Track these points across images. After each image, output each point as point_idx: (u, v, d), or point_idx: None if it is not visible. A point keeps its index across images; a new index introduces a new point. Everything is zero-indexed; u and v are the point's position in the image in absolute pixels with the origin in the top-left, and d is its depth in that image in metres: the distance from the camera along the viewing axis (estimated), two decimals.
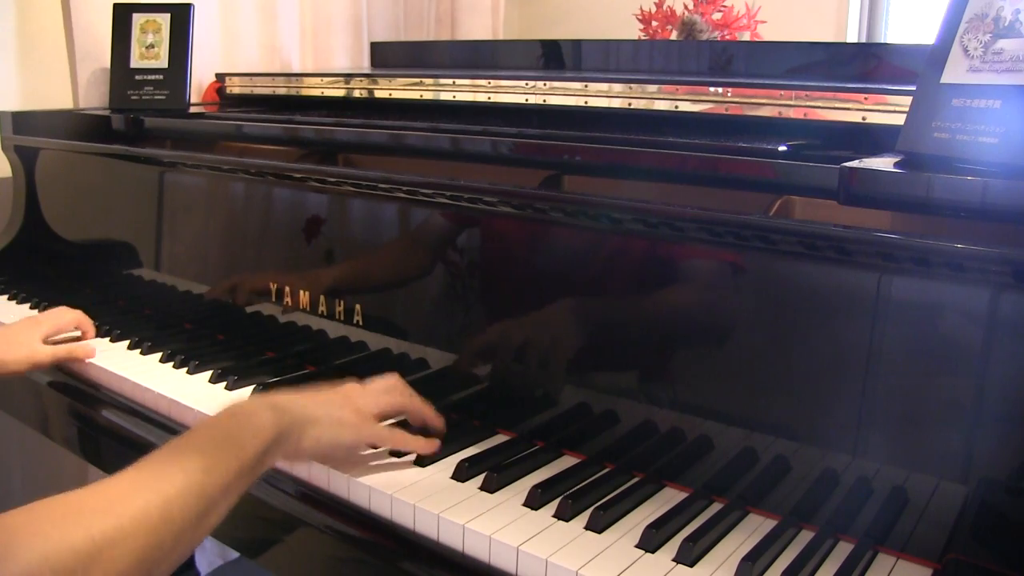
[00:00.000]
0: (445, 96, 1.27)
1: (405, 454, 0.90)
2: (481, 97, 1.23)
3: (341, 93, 1.45)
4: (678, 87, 1.03)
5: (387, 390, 0.92)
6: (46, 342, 1.18)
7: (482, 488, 0.85)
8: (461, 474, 0.87)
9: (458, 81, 1.25)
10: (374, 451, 0.92)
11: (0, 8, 1.61)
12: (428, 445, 0.90)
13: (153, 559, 0.64)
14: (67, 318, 1.24)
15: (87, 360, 1.20)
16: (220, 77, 1.75)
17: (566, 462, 0.91)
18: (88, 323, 1.26)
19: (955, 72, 0.70)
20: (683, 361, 0.88)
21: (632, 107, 1.07)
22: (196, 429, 0.76)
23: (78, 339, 1.24)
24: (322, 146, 1.16)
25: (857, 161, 0.71)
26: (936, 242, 0.67)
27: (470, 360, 1.02)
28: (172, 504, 0.66)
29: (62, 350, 1.18)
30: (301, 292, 1.19)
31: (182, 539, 0.67)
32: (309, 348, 1.19)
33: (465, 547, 0.78)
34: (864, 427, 0.76)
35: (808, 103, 0.92)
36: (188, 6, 1.62)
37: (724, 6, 1.68)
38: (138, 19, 1.62)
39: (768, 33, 1.67)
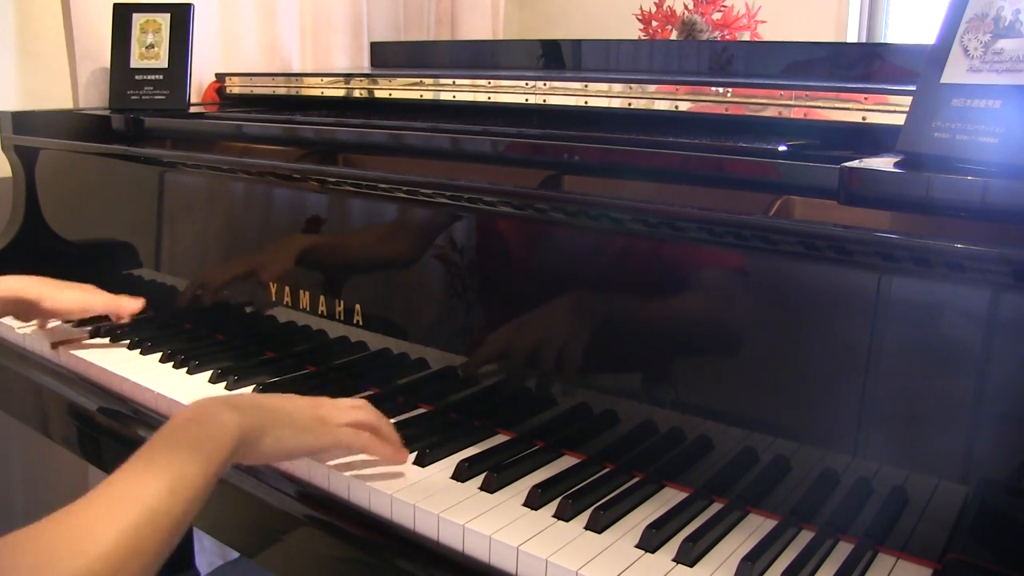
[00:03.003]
0: (445, 96, 1.27)
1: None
2: (481, 97, 1.23)
3: (341, 93, 1.45)
4: (678, 87, 1.03)
5: (355, 406, 0.89)
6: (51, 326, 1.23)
7: (482, 488, 0.85)
8: (461, 474, 0.87)
9: (458, 81, 1.25)
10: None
11: (0, 8, 1.60)
12: (397, 453, 0.87)
13: None
14: (100, 301, 1.26)
15: (86, 359, 1.20)
16: (220, 77, 1.75)
17: (566, 462, 0.91)
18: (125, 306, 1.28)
19: (955, 72, 0.70)
20: (683, 361, 0.88)
21: (632, 107, 1.07)
22: (158, 438, 0.73)
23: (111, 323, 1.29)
24: (322, 146, 1.16)
25: (857, 161, 0.71)
26: (936, 242, 0.67)
27: (470, 360, 1.02)
28: (140, 533, 0.64)
29: (111, 298, 1.25)
30: (301, 292, 1.19)
31: (151, 564, 0.65)
32: (309, 348, 1.19)
33: (465, 547, 0.78)
34: (864, 427, 0.76)
35: (808, 103, 0.92)
36: (188, 6, 1.62)
37: (724, 6, 1.68)
38: (138, 19, 1.62)
39: (768, 33, 1.67)
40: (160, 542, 0.66)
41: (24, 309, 1.21)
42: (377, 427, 0.88)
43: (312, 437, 0.83)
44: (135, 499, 0.66)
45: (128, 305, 1.24)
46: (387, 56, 2.01)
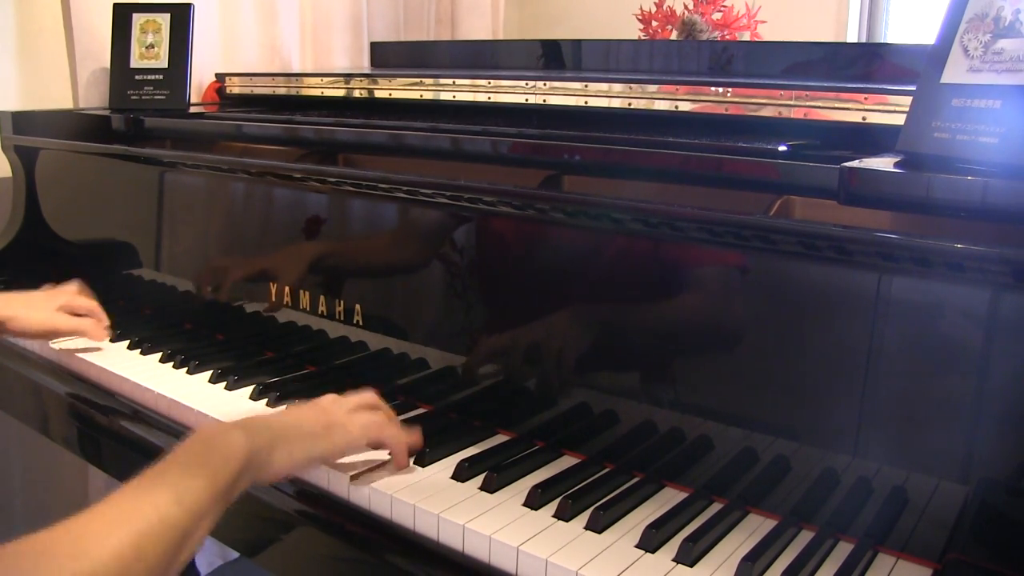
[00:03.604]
0: (445, 96, 1.27)
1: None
2: (481, 97, 1.23)
3: (341, 93, 1.45)
4: (678, 87, 1.03)
5: (362, 400, 0.90)
6: None
7: (482, 488, 0.85)
8: (461, 474, 0.87)
9: (458, 81, 1.25)
10: (375, 451, 0.92)
11: (0, 8, 1.60)
12: (411, 436, 0.89)
13: None
14: (80, 302, 1.25)
15: (86, 359, 1.20)
16: (220, 77, 1.75)
17: (566, 462, 0.91)
18: (99, 313, 1.26)
19: (955, 72, 0.70)
20: (683, 361, 0.88)
21: (632, 107, 1.07)
22: (167, 459, 0.74)
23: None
24: (322, 146, 1.16)
25: (857, 161, 0.71)
26: (936, 242, 0.67)
27: (470, 360, 1.02)
28: (144, 540, 0.65)
29: (78, 322, 1.21)
30: (301, 292, 1.19)
31: (155, 573, 0.65)
32: (309, 348, 1.19)
33: (465, 547, 0.78)
34: (864, 427, 0.76)
35: (808, 103, 0.92)
36: (188, 6, 1.62)
37: (724, 6, 1.68)
38: (138, 19, 1.62)
39: (768, 33, 1.67)
40: (166, 553, 0.66)
41: None
42: (382, 420, 0.90)
43: (325, 443, 0.84)
44: (141, 509, 0.67)
45: (94, 332, 1.22)
46: (387, 56, 2.01)
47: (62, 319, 1.20)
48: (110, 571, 0.62)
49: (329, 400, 0.89)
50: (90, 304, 1.25)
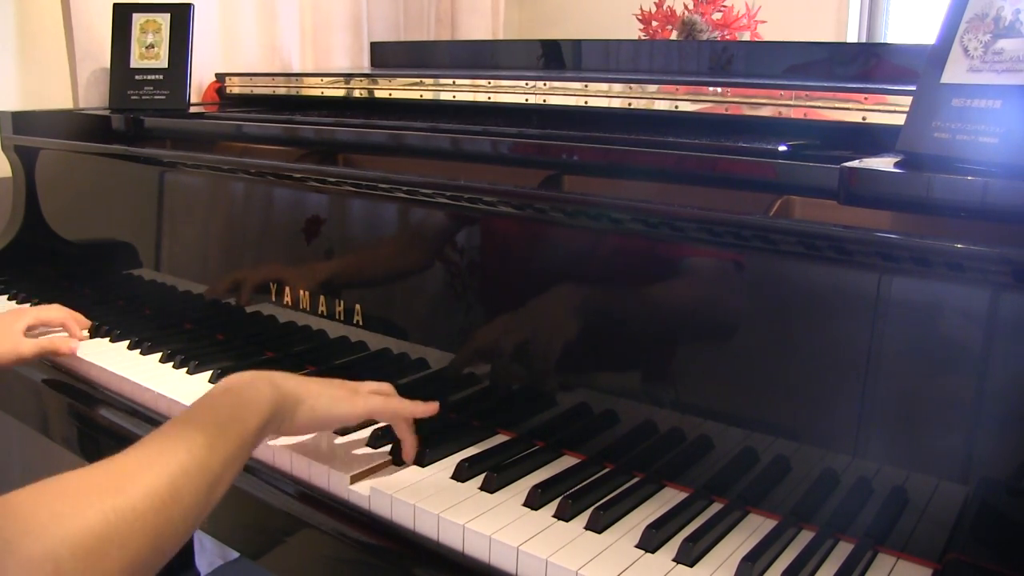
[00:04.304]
0: (445, 96, 1.27)
1: (402, 462, 0.90)
2: (481, 97, 1.23)
3: (341, 93, 1.45)
4: (678, 87, 1.03)
5: (379, 387, 0.93)
6: (29, 335, 1.19)
7: (482, 488, 0.85)
8: (461, 474, 0.87)
9: (458, 81, 1.25)
10: (375, 451, 0.92)
11: (0, 8, 1.60)
12: (427, 408, 0.92)
13: (164, 535, 0.64)
14: (52, 314, 1.24)
15: (72, 355, 1.20)
16: (220, 77, 1.75)
17: (566, 462, 0.91)
18: (73, 322, 1.25)
19: (955, 72, 0.70)
20: (683, 361, 0.88)
21: (632, 107, 1.07)
22: (197, 406, 0.77)
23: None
24: (322, 146, 1.16)
25: (857, 161, 0.71)
26: (936, 242, 0.67)
27: (470, 360, 1.02)
28: (179, 481, 0.66)
29: (45, 342, 1.19)
30: (301, 292, 1.19)
31: (190, 515, 0.67)
32: (309, 348, 1.19)
33: (465, 547, 0.78)
34: (864, 427, 0.76)
35: (808, 103, 0.92)
36: (188, 6, 1.62)
37: (724, 6, 1.68)
38: (138, 19, 1.62)
39: (768, 33, 1.67)
40: (198, 494, 0.68)
41: None
42: (396, 404, 0.92)
43: (347, 405, 0.87)
44: (174, 451, 0.68)
45: (63, 346, 1.19)
46: (387, 56, 2.01)
47: (27, 345, 1.17)
48: (148, 507, 0.63)
49: (347, 381, 0.92)
50: (61, 314, 1.25)
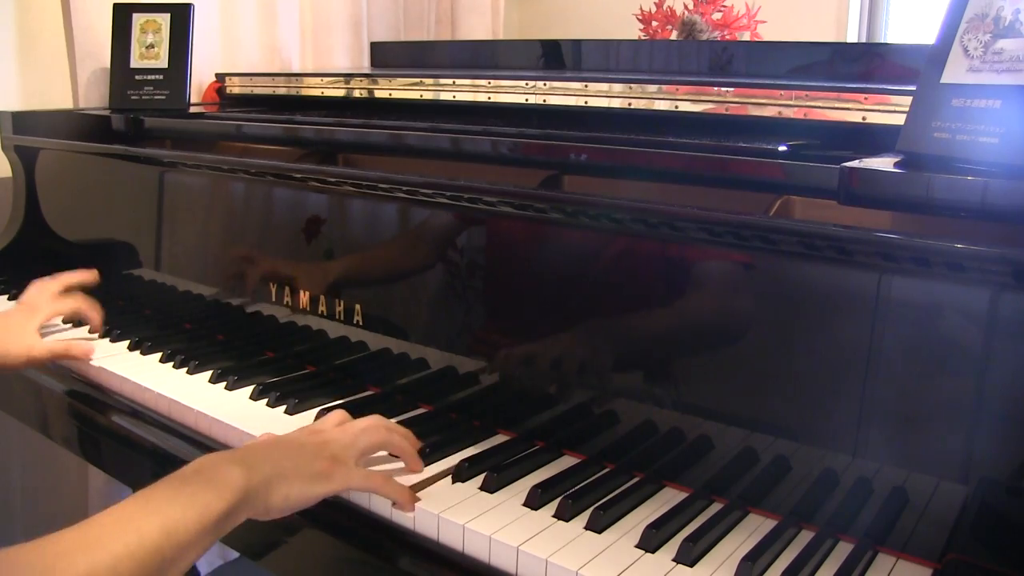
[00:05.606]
0: (445, 96, 1.27)
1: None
2: (481, 97, 1.23)
3: (341, 93, 1.45)
4: (678, 87, 1.03)
5: (366, 429, 0.87)
6: (42, 332, 1.18)
7: (482, 488, 0.85)
8: (461, 474, 0.87)
9: (458, 81, 1.25)
10: (375, 455, 0.92)
11: (0, 8, 1.60)
12: (407, 495, 0.83)
13: None
14: (69, 306, 1.23)
15: (88, 360, 1.19)
16: (220, 77, 1.75)
17: (566, 462, 0.91)
18: (92, 310, 1.25)
19: (955, 72, 0.70)
20: (683, 361, 0.88)
21: (632, 107, 1.07)
22: (161, 483, 0.72)
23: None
24: (322, 146, 1.16)
25: (857, 161, 0.71)
26: (936, 242, 0.67)
27: (470, 360, 1.02)
28: (122, 566, 0.63)
29: (60, 347, 1.18)
30: (301, 292, 1.19)
31: None
32: (309, 348, 1.19)
33: (465, 547, 0.78)
34: (864, 427, 0.76)
35: (808, 103, 0.92)
36: (188, 6, 1.62)
37: (724, 6, 1.68)
38: (138, 19, 1.62)
39: (768, 33, 1.67)
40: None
41: None
42: (389, 444, 0.88)
43: (322, 486, 0.80)
44: (124, 533, 0.65)
45: (79, 350, 1.17)
46: (387, 56, 2.01)
47: (40, 348, 1.14)
48: None
49: (334, 424, 0.87)
50: (75, 305, 1.24)
